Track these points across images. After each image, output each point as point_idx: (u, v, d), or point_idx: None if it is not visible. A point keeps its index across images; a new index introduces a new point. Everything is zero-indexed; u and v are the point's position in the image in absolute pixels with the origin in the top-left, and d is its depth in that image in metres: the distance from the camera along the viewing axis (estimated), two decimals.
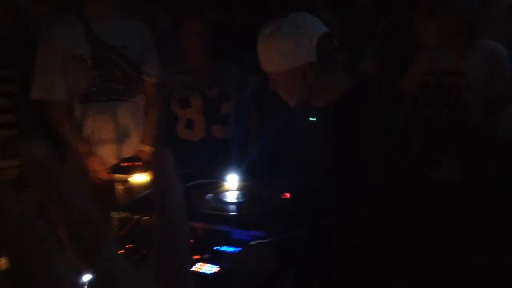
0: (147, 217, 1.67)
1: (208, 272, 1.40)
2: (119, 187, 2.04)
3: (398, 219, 1.62)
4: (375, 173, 1.51)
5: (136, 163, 2.08)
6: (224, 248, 1.53)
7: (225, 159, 2.63)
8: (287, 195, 1.82)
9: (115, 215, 1.69)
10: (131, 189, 2.02)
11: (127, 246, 1.56)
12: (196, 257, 1.48)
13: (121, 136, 2.39)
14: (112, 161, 2.37)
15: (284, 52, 1.54)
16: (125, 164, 2.08)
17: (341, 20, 2.95)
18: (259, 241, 1.53)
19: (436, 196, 2.33)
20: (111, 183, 2.21)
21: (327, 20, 3.07)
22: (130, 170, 2.05)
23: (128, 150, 2.41)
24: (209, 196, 1.80)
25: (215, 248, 1.52)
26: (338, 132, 1.57)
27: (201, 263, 1.45)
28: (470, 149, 2.38)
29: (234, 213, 1.66)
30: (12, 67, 2.37)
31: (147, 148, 2.42)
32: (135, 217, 1.67)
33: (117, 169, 2.08)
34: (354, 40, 2.97)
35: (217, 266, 1.43)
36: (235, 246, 1.53)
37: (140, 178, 2.05)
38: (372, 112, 1.55)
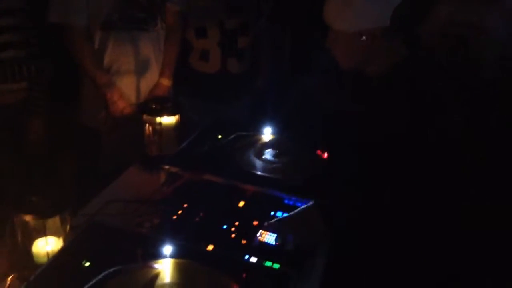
0: (197, 174, 1.69)
1: (273, 243, 1.47)
2: (149, 128, 2.01)
3: None
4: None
5: (166, 104, 2.02)
6: (279, 214, 1.59)
7: (240, 95, 2.63)
8: (324, 155, 1.88)
9: (165, 169, 1.69)
10: (161, 131, 1.99)
11: (183, 205, 1.60)
12: (255, 223, 1.55)
13: (141, 68, 2.29)
14: (131, 93, 2.31)
15: (361, 11, 1.53)
16: (155, 105, 2.02)
17: None
18: (305, 205, 1.60)
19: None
20: (133, 118, 2.17)
21: None
22: (160, 112, 2.01)
23: (147, 82, 2.33)
24: (253, 153, 1.83)
25: (271, 214, 1.58)
26: (388, 105, 1.61)
27: (262, 231, 1.51)
28: (477, 104, 2.47)
29: (285, 178, 1.70)
30: None
31: (165, 81, 2.35)
32: (185, 173, 1.68)
33: (146, 109, 2.02)
34: None
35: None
36: (289, 212, 1.59)
37: (168, 119, 2.02)
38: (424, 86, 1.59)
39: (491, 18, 2.44)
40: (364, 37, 1.55)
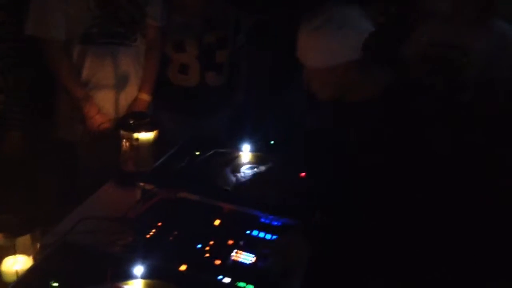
0: (172, 192, 1.67)
1: (247, 262, 1.45)
2: (126, 144, 1.99)
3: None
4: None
5: (143, 120, 2.01)
6: (255, 233, 1.57)
7: (219, 108, 2.62)
8: (302, 173, 1.87)
9: (140, 186, 1.67)
10: (138, 147, 1.97)
11: (158, 224, 1.57)
12: (230, 242, 1.53)
13: (120, 82, 2.28)
14: (110, 107, 2.29)
15: (329, 48, 1.53)
16: (132, 120, 2.00)
17: None
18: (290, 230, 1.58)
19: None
20: (110, 133, 2.16)
21: None
22: (137, 128, 1.99)
23: (126, 97, 2.31)
24: (231, 171, 1.82)
25: (247, 232, 1.57)
26: (368, 129, 1.60)
27: (237, 251, 1.49)
28: (458, 125, 2.48)
29: (262, 196, 1.69)
30: None
31: (145, 97, 2.34)
32: (160, 190, 1.66)
33: (123, 124, 2.00)
34: None
35: (253, 255, 1.48)
36: (265, 231, 1.58)
37: (146, 135, 2.00)
38: (409, 115, 1.59)
39: (475, 40, 2.46)
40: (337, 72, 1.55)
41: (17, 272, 1.35)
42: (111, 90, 2.27)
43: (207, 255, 1.46)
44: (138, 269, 1.23)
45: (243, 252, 1.49)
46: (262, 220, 1.62)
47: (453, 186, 1.70)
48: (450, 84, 2.48)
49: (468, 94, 2.50)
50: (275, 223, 1.60)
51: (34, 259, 1.38)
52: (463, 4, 2.45)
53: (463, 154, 2.32)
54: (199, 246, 1.49)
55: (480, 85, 2.47)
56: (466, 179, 2.18)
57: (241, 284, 1.34)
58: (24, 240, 1.37)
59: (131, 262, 1.26)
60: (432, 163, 1.58)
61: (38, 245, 1.40)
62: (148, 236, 1.51)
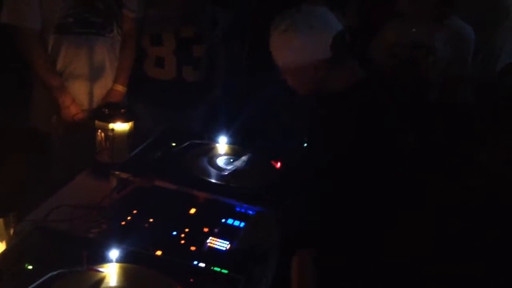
0: (148, 180, 1.68)
1: (222, 248, 1.47)
2: (101, 134, 1.98)
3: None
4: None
5: (119, 111, 2.00)
6: (230, 221, 1.59)
7: (195, 103, 2.63)
8: (277, 164, 1.90)
9: (115, 174, 1.67)
10: (113, 137, 1.97)
11: (133, 211, 1.58)
12: (205, 229, 1.54)
13: (95, 73, 2.26)
14: (84, 98, 2.27)
15: (297, 48, 1.56)
16: (108, 110, 2.00)
17: None
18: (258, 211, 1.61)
19: None
20: (86, 124, 2.14)
21: None
22: (113, 118, 1.98)
23: (101, 88, 2.29)
24: (206, 161, 1.83)
25: (222, 221, 1.59)
26: (338, 123, 1.62)
27: (212, 238, 1.51)
28: (427, 124, 2.55)
29: (238, 186, 1.71)
30: None
31: (120, 88, 2.33)
32: (136, 179, 1.67)
33: (99, 115, 1.99)
34: None
35: (228, 242, 1.50)
36: (240, 220, 1.60)
37: (121, 126, 1.99)
38: (376, 109, 1.61)
39: (438, 39, 2.53)
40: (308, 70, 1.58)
41: None
42: (86, 81, 2.25)
43: (183, 241, 1.47)
44: (113, 253, 1.24)
45: (218, 239, 1.50)
46: (237, 209, 1.65)
47: (417, 184, 1.74)
48: (418, 84, 2.54)
49: (434, 93, 2.58)
50: (250, 212, 1.63)
51: (7, 244, 1.36)
52: (419, 3, 2.51)
53: (428, 152, 2.37)
54: (175, 233, 1.50)
55: (444, 83, 2.54)
56: (430, 178, 2.22)
57: (216, 268, 1.35)
58: None
59: (105, 246, 1.26)
60: (396, 159, 1.62)
61: (12, 231, 1.39)
62: (123, 223, 1.51)
